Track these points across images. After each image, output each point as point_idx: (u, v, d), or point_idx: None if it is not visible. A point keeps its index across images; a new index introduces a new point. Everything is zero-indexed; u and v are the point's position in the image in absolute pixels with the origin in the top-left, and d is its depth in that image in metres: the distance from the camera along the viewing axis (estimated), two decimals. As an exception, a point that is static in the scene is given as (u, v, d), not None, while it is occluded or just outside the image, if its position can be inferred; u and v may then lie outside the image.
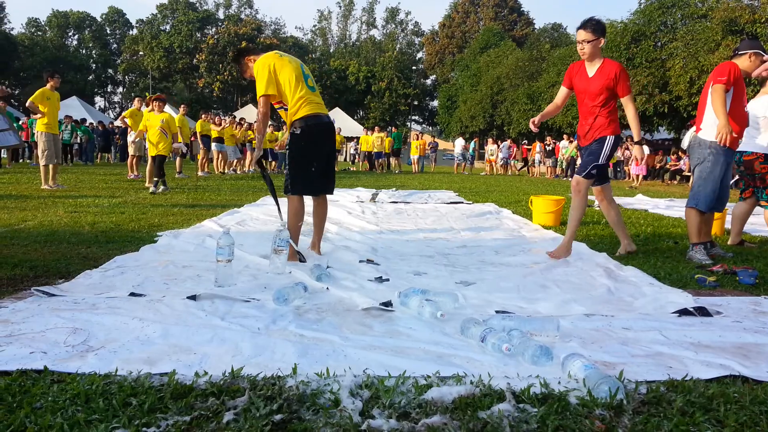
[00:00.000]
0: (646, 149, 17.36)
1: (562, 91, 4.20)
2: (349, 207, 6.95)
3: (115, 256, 3.60)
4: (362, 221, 5.77)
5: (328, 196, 3.95)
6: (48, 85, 8.38)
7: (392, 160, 21.51)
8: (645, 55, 20.34)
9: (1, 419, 1.44)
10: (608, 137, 3.93)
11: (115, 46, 60.08)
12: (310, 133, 3.65)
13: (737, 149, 4.26)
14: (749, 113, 4.26)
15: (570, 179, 14.93)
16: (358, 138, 24.55)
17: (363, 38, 62.66)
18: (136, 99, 12.49)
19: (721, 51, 16.89)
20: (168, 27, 54.84)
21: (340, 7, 63.54)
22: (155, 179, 8.64)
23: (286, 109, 3.70)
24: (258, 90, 3.61)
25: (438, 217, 6.45)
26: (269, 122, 8.82)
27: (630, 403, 1.62)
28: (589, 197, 4.36)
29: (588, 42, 3.85)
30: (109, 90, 62.37)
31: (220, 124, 14.69)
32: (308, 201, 3.82)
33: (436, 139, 30.08)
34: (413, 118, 59.09)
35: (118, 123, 20.85)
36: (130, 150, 11.88)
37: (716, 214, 4.70)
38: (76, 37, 59.25)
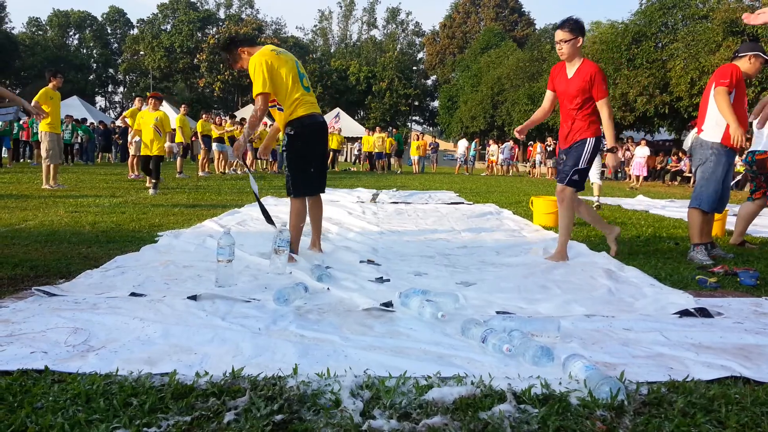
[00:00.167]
0: (642, 151, 17.35)
1: (548, 95, 4.12)
2: (349, 207, 6.92)
3: (116, 256, 3.60)
4: (363, 222, 5.77)
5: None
6: (50, 85, 8.38)
7: (393, 161, 21.50)
8: (646, 55, 20.32)
9: (2, 419, 1.44)
10: (588, 139, 3.82)
11: (115, 45, 60.10)
12: (307, 134, 3.67)
13: (748, 149, 4.24)
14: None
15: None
16: (360, 139, 24.49)
17: (364, 38, 62.64)
18: (137, 99, 12.49)
19: (722, 52, 16.90)
20: (169, 27, 54.89)
21: (341, 7, 63.48)
22: (142, 174, 8.49)
23: (280, 109, 3.67)
24: (255, 87, 3.56)
25: (438, 218, 6.45)
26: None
27: (631, 404, 1.62)
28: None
29: (565, 42, 3.80)
30: (109, 90, 62.44)
31: (221, 124, 14.69)
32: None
33: (436, 140, 30.04)
34: (414, 118, 59.03)
35: (118, 123, 20.84)
36: (131, 150, 11.88)
37: (716, 216, 4.70)
38: (76, 36, 59.28)
